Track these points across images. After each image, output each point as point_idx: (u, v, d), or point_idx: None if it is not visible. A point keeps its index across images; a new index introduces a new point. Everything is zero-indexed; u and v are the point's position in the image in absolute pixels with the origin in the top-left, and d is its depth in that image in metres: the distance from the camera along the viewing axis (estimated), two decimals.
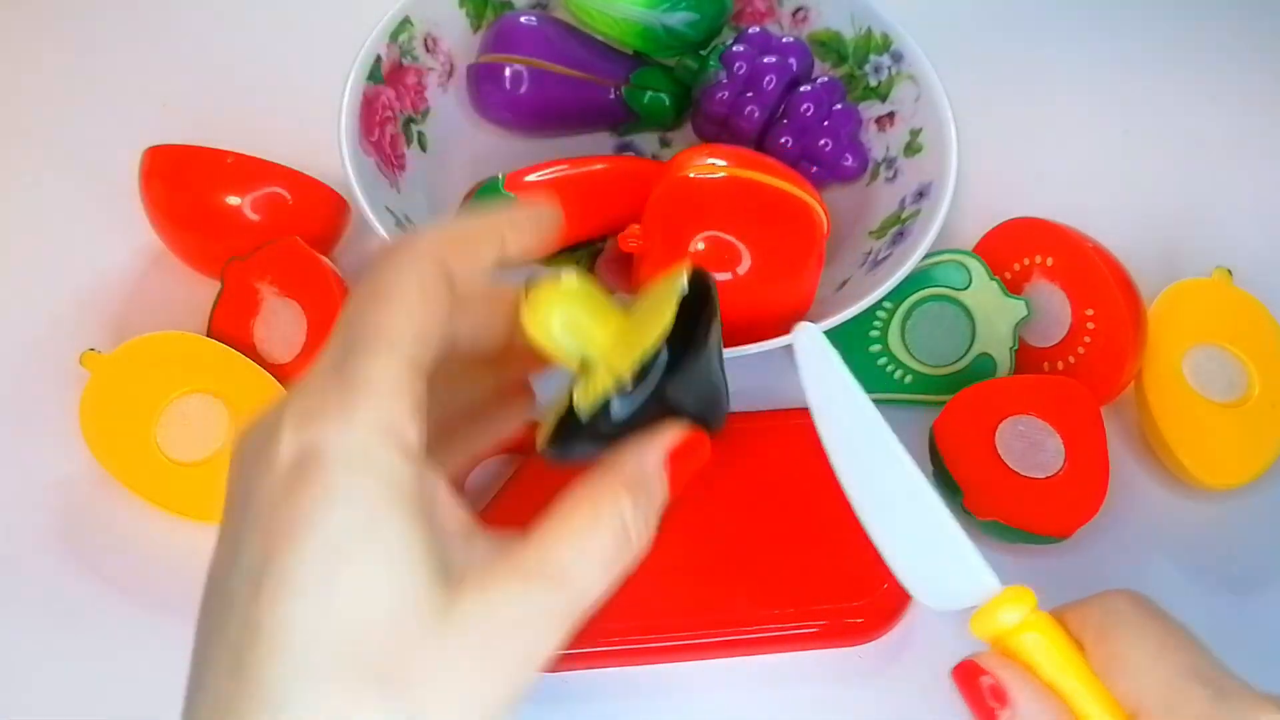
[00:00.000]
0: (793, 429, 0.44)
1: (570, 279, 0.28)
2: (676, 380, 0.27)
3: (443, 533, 0.24)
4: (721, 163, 0.44)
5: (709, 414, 0.29)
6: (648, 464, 0.27)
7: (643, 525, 0.26)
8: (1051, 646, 0.28)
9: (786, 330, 0.44)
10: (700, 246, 0.42)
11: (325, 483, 0.23)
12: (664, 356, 0.27)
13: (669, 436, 0.28)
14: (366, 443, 0.23)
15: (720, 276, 0.42)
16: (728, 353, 0.43)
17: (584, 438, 0.28)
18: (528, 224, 0.29)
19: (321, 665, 0.22)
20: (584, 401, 0.28)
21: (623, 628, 0.40)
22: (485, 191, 0.47)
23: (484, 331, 0.30)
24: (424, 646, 0.22)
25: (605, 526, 0.25)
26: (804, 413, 0.46)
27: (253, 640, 0.22)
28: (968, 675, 0.28)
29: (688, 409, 0.28)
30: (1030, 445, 0.43)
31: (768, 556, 0.41)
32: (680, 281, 0.29)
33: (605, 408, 0.27)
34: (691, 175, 0.43)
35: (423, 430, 0.24)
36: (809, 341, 0.32)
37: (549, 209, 0.30)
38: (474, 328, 0.30)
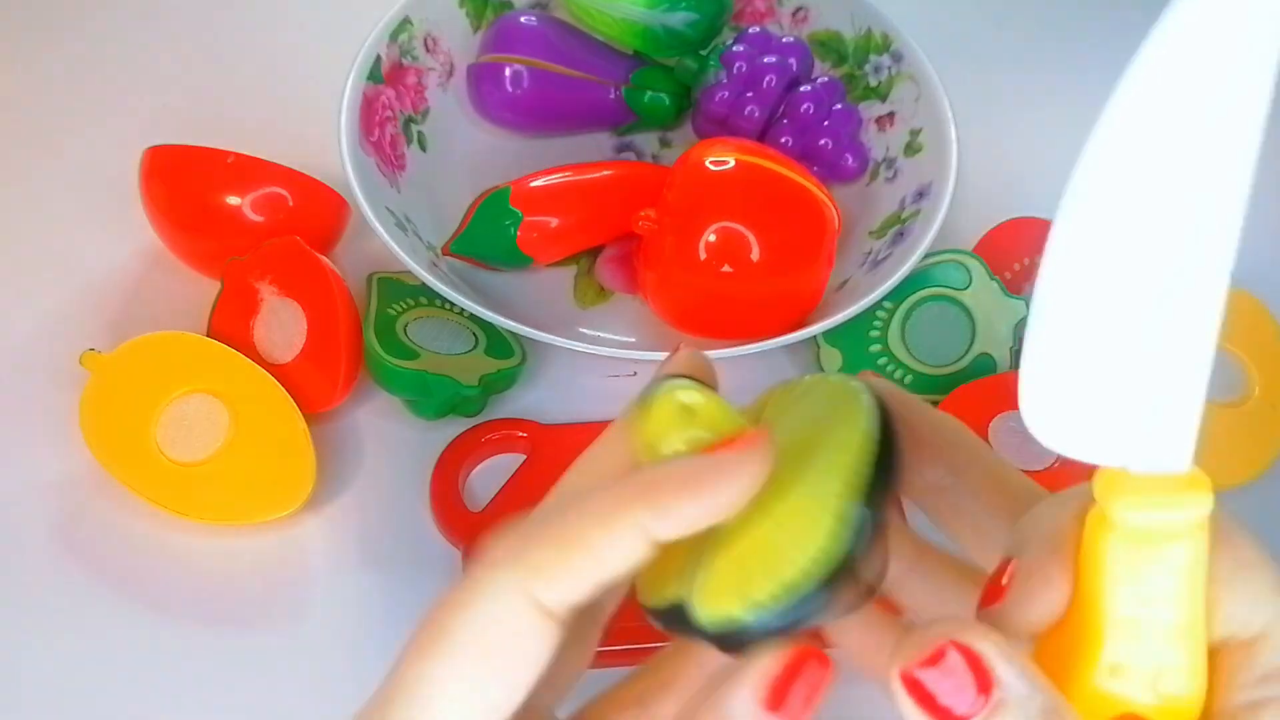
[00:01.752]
0: None
1: (694, 394, 0.23)
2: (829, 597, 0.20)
3: None
4: (738, 153, 0.44)
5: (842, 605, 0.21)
6: (729, 711, 0.21)
7: None
8: (1204, 557, 0.20)
9: (793, 327, 0.44)
10: (712, 238, 0.43)
11: None
12: (821, 590, 0.20)
13: (763, 666, 0.21)
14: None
15: (730, 268, 0.43)
16: (732, 351, 0.43)
17: (686, 629, 0.21)
18: (681, 496, 0.21)
19: None
20: (683, 592, 0.21)
21: (630, 629, 0.40)
22: (492, 202, 0.47)
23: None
24: None
25: None
26: None
27: None
28: (939, 657, 0.20)
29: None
30: (1024, 440, 0.42)
31: None
32: (863, 432, 0.21)
33: (715, 624, 0.20)
34: (708, 164, 0.44)
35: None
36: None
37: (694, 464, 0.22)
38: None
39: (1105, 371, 0.21)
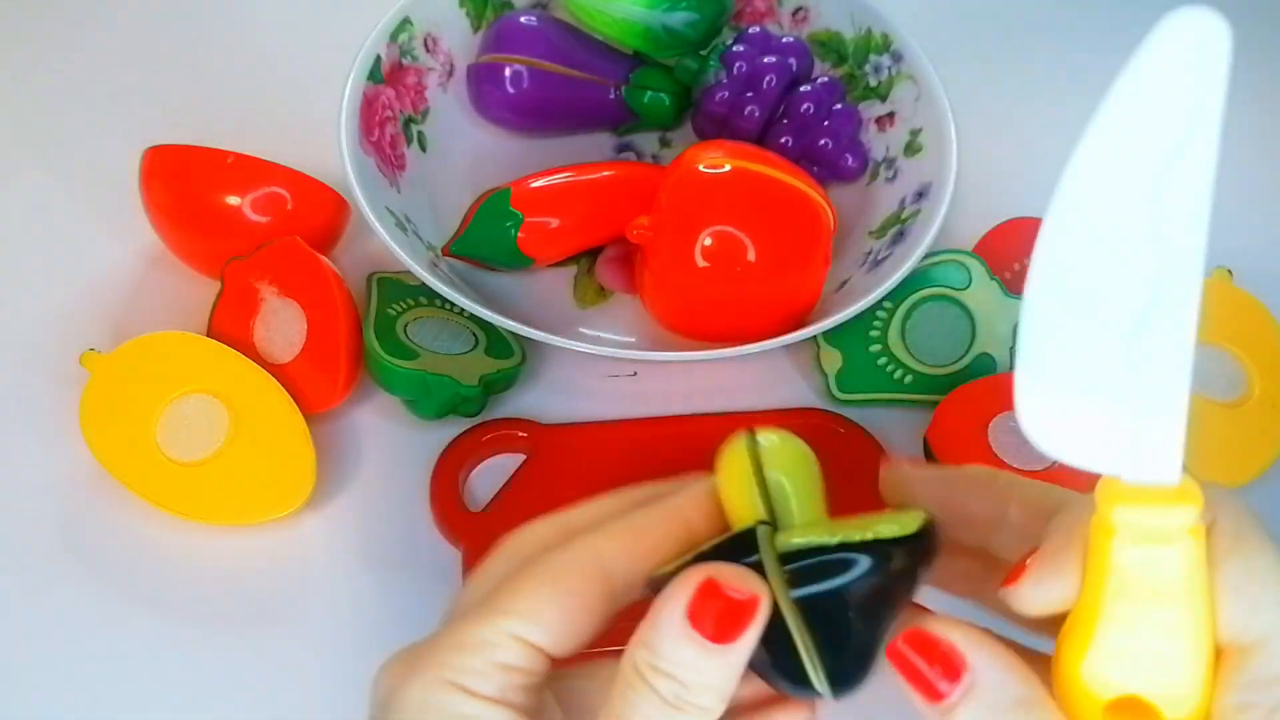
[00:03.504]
0: (797, 429, 0.44)
1: (784, 440, 0.27)
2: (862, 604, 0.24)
3: None
4: (731, 157, 0.44)
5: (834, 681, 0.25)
6: (660, 623, 0.24)
7: (685, 684, 0.24)
8: (1201, 561, 0.22)
9: (792, 328, 0.44)
10: (708, 242, 0.42)
11: None
12: (871, 562, 0.24)
13: (683, 588, 0.24)
14: (430, 694, 0.25)
15: (727, 271, 0.43)
16: (732, 352, 0.43)
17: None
18: (707, 497, 0.27)
19: None
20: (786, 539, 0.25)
21: (630, 628, 0.40)
22: (492, 203, 0.47)
23: None
24: None
25: (637, 692, 0.24)
26: (808, 413, 0.46)
27: None
28: (921, 644, 0.23)
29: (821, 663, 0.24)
30: (1023, 440, 0.42)
31: None
32: (915, 517, 0.25)
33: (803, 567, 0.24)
34: (702, 169, 0.43)
35: (507, 682, 0.25)
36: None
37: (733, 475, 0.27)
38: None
39: (1093, 383, 0.22)
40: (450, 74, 0.53)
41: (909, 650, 0.23)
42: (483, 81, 0.52)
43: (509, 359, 0.46)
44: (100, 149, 0.54)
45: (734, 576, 0.24)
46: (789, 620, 0.24)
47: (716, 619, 0.24)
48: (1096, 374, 0.22)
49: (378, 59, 0.49)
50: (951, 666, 0.23)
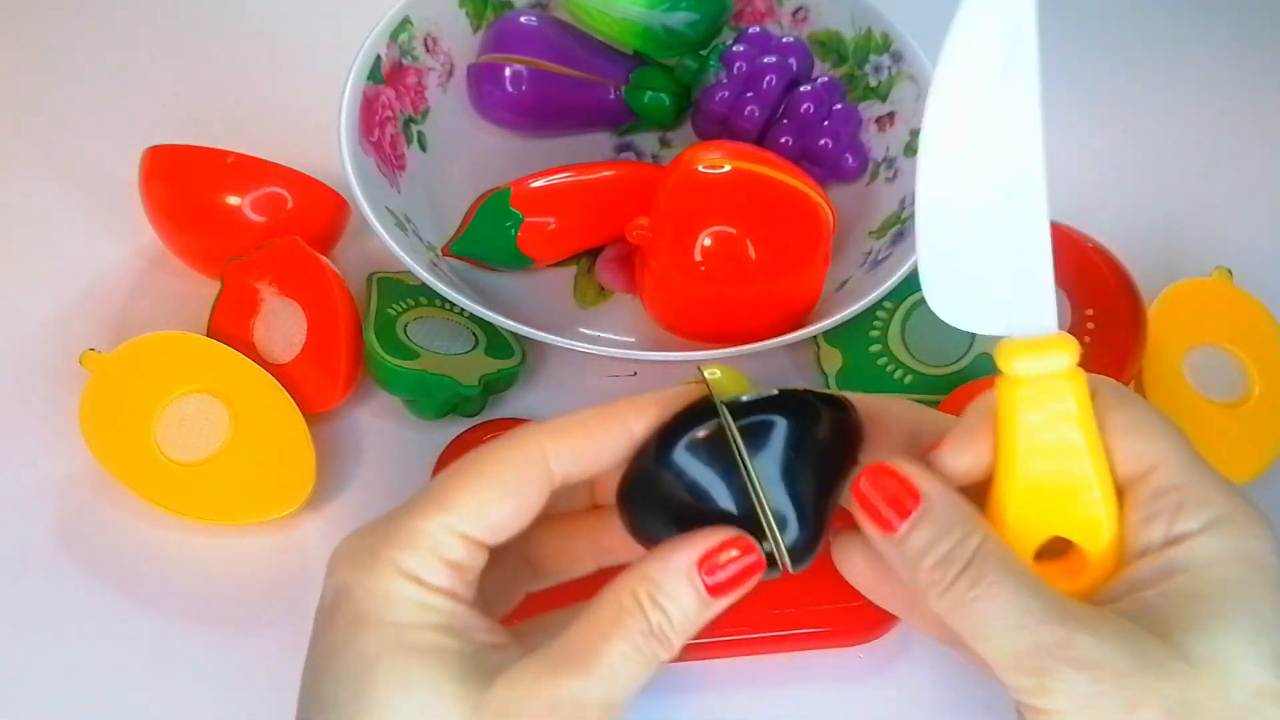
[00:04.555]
0: None
1: (725, 370, 0.30)
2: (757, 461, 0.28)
3: (471, 645, 0.27)
4: (730, 158, 0.44)
5: (780, 530, 0.28)
6: (670, 564, 0.27)
7: (670, 619, 0.27)
8: (1086, 399, 0.27)
9: (792, 328, 0.44)
10: (708, 242, 0.42)
11: (351, 615, 0.27)
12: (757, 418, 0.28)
13: (702, 541, 0.28)
14: (388, 583, 0.27)
15: (726, 271, 0.43)
16: (732, 351, 0.43)
17: (653, 484, 0.28)
18: (653, 409, 0.29)
19: None
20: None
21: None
22: (492, 203, 0.47)
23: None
24: None
25: (631, 616, 0.27)
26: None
27: None
28: (878, 477, 0.27)
29: (741, 515, 0.28)
30: None
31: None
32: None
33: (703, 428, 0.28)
34: (701, 169, 0.43)
35: (453, 575, 0.27)
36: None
37: (676, 392, 0.30)
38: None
39: (976, 264, 0.29)
40: (450, 74, 0.53)
41: (870, 488, 0.28)
42: (483, 81, 0.52)
43: (509, 359, 0.46)
44: (100, 149, 0.54)
45: (745, 544, 0.27)
46: (752, 481, 0.27)
47: (720, 576, 0.27)
48: (977, 256, 0.29)
49: (378, 59, 0.49)
50: (910, 493, 0.27)
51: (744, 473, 0.27)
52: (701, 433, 0.28)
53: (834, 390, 0.32)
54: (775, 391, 0.28)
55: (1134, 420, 0.28)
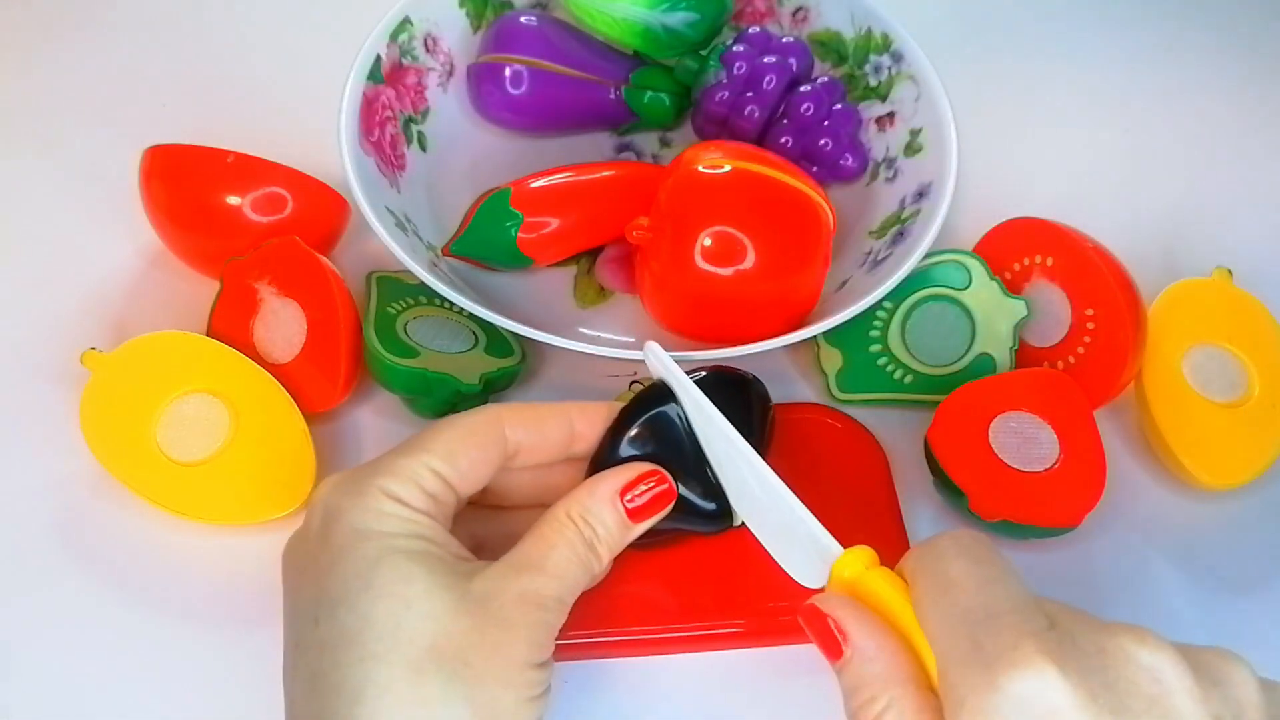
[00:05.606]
0: (785, 424, 0.44)
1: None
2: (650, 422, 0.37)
3: (450, 555, 0.33)
4: (730, 158, 0.44)
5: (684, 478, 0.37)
6: (597, 492, 0.35)
7: (598, 535, 0.35)
8: (880, 593, 0.32)
9: (792, 328, 0.44)
10: (708, 242, 0.42)
11: (347, 529, 0.33)
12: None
13: (624, 474, 0.36)
14: (378, 504, 0.33)
15: (726, 271, 0.43)
16: (732, 352, 0.43)
17: (614, 458, 0.37)
18: (595, 415, 0.38)
19: (377, 653, 0.30)
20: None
21: (617, 619, 0.40)
22: (492, 203, 0.47)
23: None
24: (453, 617, 0.31)
25: (568, 530, 0.34)
26: (796, 407, 0.46)
27: (319, 653, 0.31)
28: (811, 616, 0.32)
29: (660, 455, 0.37)
30: (1024, 440, 0.43)
31: (758, 551, 0.41)
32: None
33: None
34: (701, 169, 0.43)
35: (430, 502, 0.34)
36: (654, 358, 0.38)
37: (614, 405, 0.38)
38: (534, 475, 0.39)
39: (792, 557, 0.36)
40: (450, 74, 0.53)
41: (806, 625, 0.32)
42: (483, 81, 0.52)
43: (509, 358, 0.46)
44: (100, 149, 0.54)
45: (660, 478, 0.36)
46: (697, 442, 0.38)
47: (637, 503, 0.36)
48: (791, 554, 0.36)
49: (378, 59, 0.49)
50: (842, 634, 0.31)
51: (688, 436, 0.37)
52: (652, 410, 0.37)
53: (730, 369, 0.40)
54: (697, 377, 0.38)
55: (915, 601, 0.31)
